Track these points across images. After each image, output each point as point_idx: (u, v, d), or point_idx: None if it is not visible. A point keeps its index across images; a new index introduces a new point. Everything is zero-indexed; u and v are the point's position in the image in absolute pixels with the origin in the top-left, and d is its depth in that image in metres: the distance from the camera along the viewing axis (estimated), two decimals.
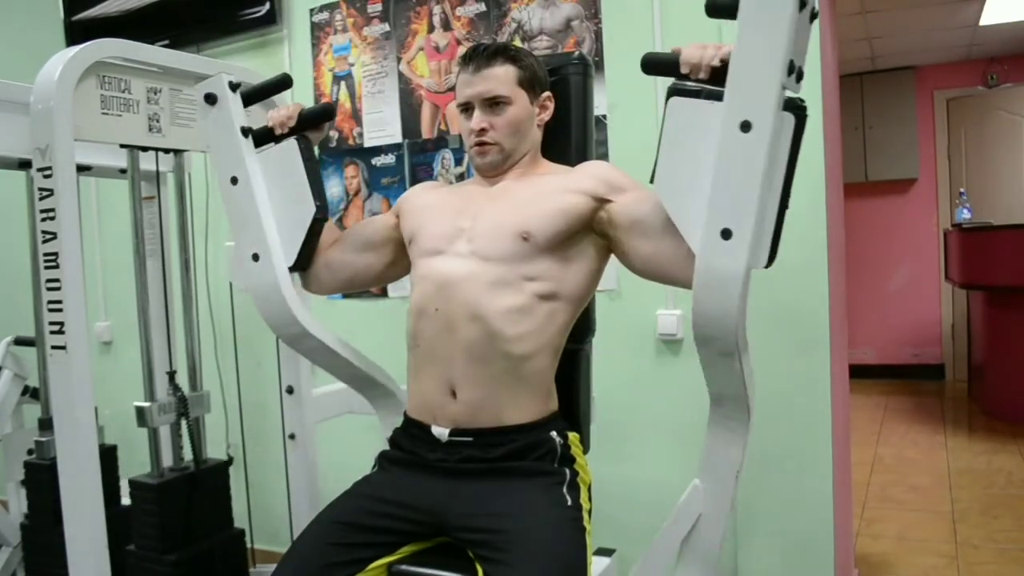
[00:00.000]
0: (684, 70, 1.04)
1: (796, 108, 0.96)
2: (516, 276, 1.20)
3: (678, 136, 1.04)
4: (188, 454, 1.80)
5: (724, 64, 0.99)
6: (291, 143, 1.34)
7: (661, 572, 1.22)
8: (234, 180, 1.35)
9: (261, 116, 1.47)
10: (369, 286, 1.47)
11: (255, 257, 1.35)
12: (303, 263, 1.37)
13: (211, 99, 1.35)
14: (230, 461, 1.88)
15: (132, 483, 1.71)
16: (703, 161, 1.00)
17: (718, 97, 0.99)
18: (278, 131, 1.36)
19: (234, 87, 1.35)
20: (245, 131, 1.35)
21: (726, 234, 0.99)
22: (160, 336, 1.88)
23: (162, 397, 1.75)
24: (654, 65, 1.11)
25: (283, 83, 1.41)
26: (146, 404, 1.70)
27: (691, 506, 1.20)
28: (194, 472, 1.76)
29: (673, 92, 1.04)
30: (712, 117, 0.99)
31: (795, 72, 0.96)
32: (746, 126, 0.95)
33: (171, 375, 1.81)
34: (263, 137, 1.37)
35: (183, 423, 1.77)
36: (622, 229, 1.20)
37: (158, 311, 1.87)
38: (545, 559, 1.08)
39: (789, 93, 0.97)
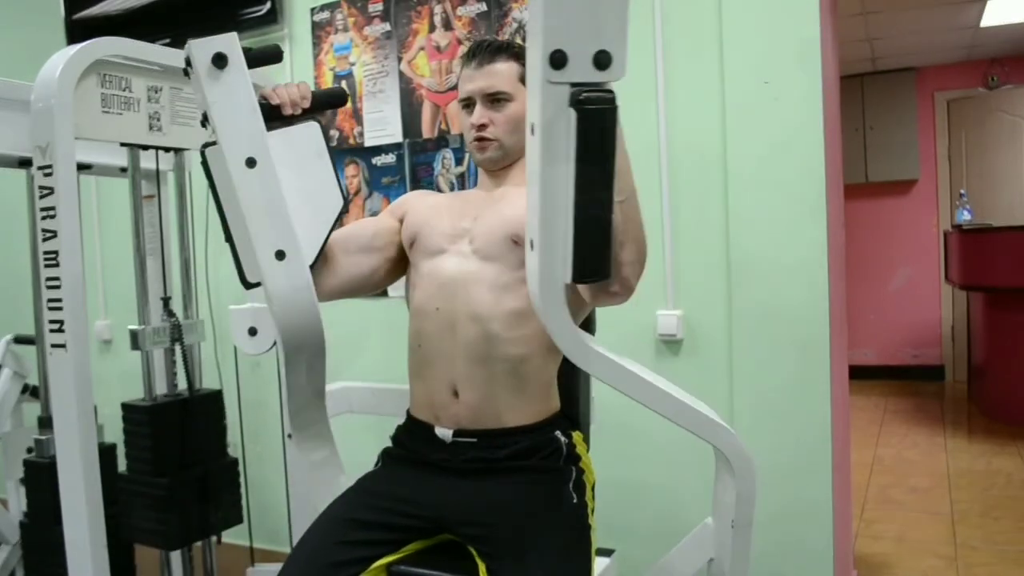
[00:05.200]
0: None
1: (579, 103, 0.87)
2: (513, 279, 1.20)
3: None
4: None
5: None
6: (314, 126, 1.22)
7: None
8: (251, 162, 1.14)
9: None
10: (367, 291, 1.42)
11: (280, 255, 1.17)
12: (316, 264, 1.24)
13: (221, 61, 1.12)
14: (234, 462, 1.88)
15: (124, 407, 1.71)
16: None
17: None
18: (288, 111, 1.21)
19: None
20: (262, 106, 1.17)
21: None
22: (154, 258, 1.84)
23: (156, 322, 1.74)
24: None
25: (276, 55, 1.24)
26: (139, 327, 1.70)
27: (700, 545, 1.22)
28: (187, 398, 1.76)
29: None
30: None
31: (559, 60, 0.86)
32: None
33: (165, 301, 1.79)
34: (268, 116, 1.18)
35: (177, 349, 1.77)
36: None
37: (158, 311, 1.86)
38: (549, 557, 1.08)
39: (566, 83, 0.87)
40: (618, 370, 1.04)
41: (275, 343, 1.87)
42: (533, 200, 0.91)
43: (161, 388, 1.81)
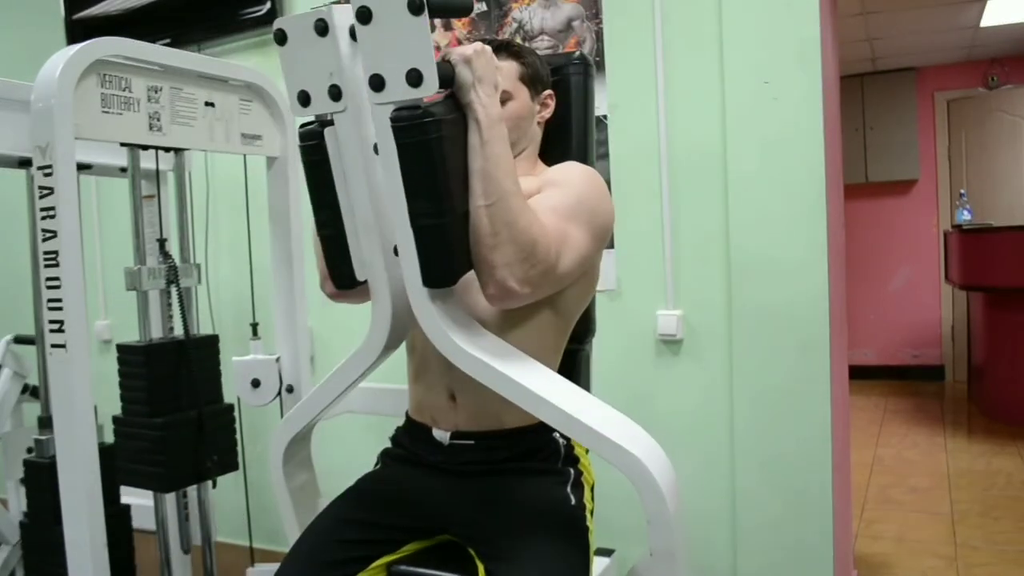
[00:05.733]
0: None
1: (392, 120, 0.94)
2: None
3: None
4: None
5: None
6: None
7: None
8: (376, 148, 1.05)
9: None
10: None
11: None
12: None
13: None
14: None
15: (120, 347, 1.70)
16: None
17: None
18: None
19: None
20: None
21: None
22: (155, 260, 1.82)
23: (152, 263, 1.73)
24: None
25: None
26: (135, 267, 1.68)
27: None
28: (183, 340, 1.75)
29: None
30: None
31: (378, 83, 0.92)
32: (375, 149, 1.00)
33: (162, 243, 1.78)
34: None
35: (173, 292, 1.75)
36: None
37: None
38: (547, 558, 1.08)
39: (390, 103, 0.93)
40: (493, 374, 1.00)
41: (278, 394, 1.87)
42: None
43: (157, 334, 1.79)
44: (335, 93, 1.01)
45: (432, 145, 0.93)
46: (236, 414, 2.15)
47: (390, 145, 0.95)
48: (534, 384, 1.00)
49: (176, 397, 1.70)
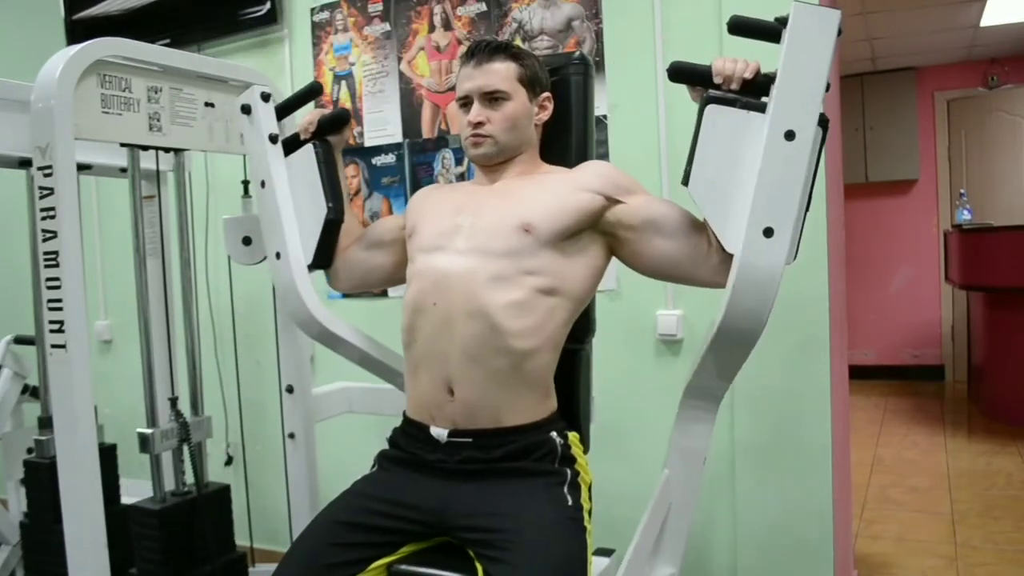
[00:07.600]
0: (717, 80, 1.12)
1: (824, 121, 1.07)
2: (515, 270, 1.20)
3: (714, 142, 1.12)
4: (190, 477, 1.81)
5: (755, 77, 1.10)
6: (308, 148, 1.44)
7: (644, 566, 1.26)
8: (263, 184, 1.46)
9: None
10: (384, 285, 1.51)
11: (278, 255, 1.44)
12: (322, 262, 1.46)
13: (246, 109, 1.48)
14: (229, 460, 1.88)
15: (133, 509, 1.71)
16: (739, 165, 1.09)
17: (755, 108, 1.09)
18: (303, 136, 1.45)
19: (266, 97, 1.48)
20: (273, 138, 1.46)
21: (768, 232, 1.07)
22: (162, 357, 1.86)
23: (164, 423, 1.75)
24: (683, 74, 1.18)
25: (313, 91, 1.50)
26: (149, 431, 1.70)
27: (664, 496, 1.26)
28: (196, 497, 1.76)
29: (710, 100, 1.12)
30: (747, 125, 1.09)
31: (827, 87, 1.07)
32: (790, 135, 1.05)
33: (173, 401, 1.81)
34: (292, 143, 1.47)
35: (185, 448, 1.77)
36: (635, 229, 1.22)
37: (158, 310, 1.86)
38: (545, 559, 1.08)
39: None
40: None
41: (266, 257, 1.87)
42: (782, 191, 1.06)
43: (168, 480, 1.79)
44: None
45: None
46: (238, 414, 2.15)
47: (815, 145, 1.07)
48: None
49: (189, 554, 1.72)
